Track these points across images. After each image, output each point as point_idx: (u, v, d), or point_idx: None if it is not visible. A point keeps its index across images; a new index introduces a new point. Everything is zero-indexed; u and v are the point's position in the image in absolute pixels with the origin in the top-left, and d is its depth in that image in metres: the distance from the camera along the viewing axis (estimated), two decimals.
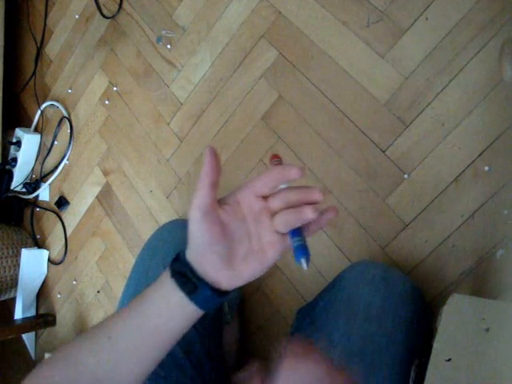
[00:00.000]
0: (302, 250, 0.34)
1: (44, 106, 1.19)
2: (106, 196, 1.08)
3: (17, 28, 1.30)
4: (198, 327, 0.60)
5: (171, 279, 0.37)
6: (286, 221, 0.35)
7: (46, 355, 1.18)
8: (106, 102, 1.08)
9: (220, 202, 0.37)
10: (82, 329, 1.13)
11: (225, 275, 0.36)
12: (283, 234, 0.36)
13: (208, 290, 0.36)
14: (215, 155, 0.35)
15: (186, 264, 0.37)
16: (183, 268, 0.37)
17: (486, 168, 0.64)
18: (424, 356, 0.48)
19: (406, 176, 0.70)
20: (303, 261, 0.34)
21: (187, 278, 0.36)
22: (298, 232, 0.35)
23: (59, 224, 1.17)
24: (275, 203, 0.36)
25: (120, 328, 0.38)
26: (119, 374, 0.38)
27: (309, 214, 0.34)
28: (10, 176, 1.18)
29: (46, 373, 0.39)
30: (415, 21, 0.69)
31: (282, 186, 0.36)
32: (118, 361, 0.38)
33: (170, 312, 0.37)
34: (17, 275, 1.16)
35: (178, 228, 0.65)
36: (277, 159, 0.40)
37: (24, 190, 1.21)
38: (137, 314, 0.38)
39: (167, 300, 0.37)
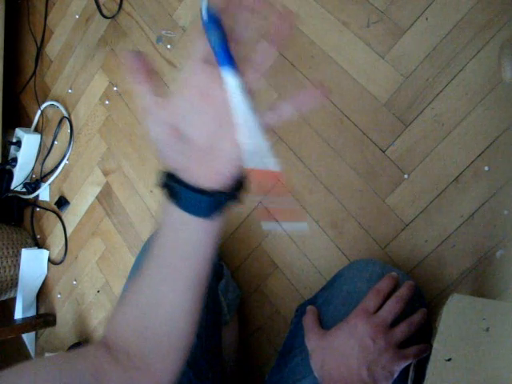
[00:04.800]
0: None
1: (44, 106, 1.19)
2: (105, 196, 1.08)
3: (17, 28, 1.30)
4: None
5: (163, 192, 0.34)
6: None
7: (46, 355, 1.18)
8: (106, 102, 1.08)
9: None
10: (82, 329, 1.13)
11: (200, 172, 0.33)
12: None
13: (188, 191, 0.32)
14: (134, 57, 0.31)
15: (166, 173, 0.34)
16: (164, 178, 0.34)
17: (486, 168, 0.64)
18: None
19: (406, 176, 0.70)
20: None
21: (169, 188, 0.33)
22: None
23: (59, 224, 1.17)
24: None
25: (153, 272, 0.37)
26: (169, 311, 0.37)
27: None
28: (10, 176, 1.18)
29: (119, 318, 0.40)
30: (415, 21, 0.69)
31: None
32: (160, 299, 0.37)
33: (178, 230, 0.35)
34: (17, 275, 1.16)
35: None
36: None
37: (24, 189, 1.21)
38: (163, 250, 0.36)
39: (172, 218, 0.34)
